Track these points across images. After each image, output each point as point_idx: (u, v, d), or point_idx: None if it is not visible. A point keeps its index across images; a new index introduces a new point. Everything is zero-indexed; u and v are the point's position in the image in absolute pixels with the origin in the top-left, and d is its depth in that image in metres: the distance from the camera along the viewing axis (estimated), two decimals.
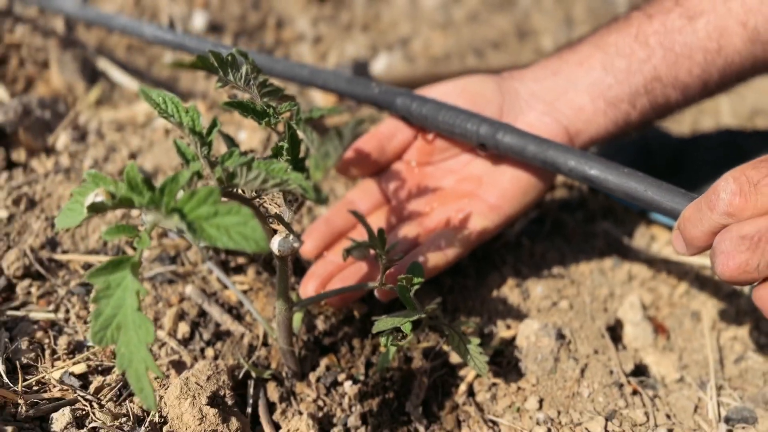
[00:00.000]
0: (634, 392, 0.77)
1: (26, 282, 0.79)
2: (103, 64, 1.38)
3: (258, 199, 0.64)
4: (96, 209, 0.49)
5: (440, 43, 1.89)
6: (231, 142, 0.63)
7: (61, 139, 1.02)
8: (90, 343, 0.73)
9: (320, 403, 0.73)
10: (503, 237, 1.00)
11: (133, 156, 1.00)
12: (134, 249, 0.86)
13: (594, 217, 1.09)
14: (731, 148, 0.99)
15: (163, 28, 1.14)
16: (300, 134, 0.64)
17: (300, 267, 0.88)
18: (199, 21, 1.67)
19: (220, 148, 0.99)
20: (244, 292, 0.83)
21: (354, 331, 0.82)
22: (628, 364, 0.81)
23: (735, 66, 0.82)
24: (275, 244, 0.64)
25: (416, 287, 0.70)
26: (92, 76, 1.35)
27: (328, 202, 0.82)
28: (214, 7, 1.75)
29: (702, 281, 0.96)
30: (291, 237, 0.64)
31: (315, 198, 0.54)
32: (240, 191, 0.61)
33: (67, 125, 1.06)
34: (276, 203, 0.68)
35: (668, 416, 0.75)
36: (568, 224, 1.06)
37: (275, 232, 0.66)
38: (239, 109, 0.63)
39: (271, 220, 0.65)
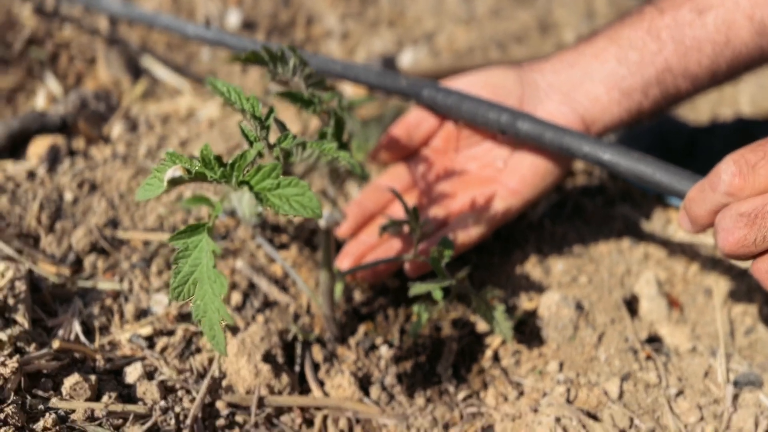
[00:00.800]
0: (648, 358, 0.84)
1: (92, 256, 0.87)
2: (146, 61, 1.47)
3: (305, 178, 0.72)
4: (175, 183, 0.56)
5: (464, 38, 1.95)
6: (283, 127, 0.70)
7: (115, 129, 1.11)
8: (155, 309, 0.81)
9: (359, 364, 0.81)
10: (526, 218, 1.07)
11: (182, 144, 1.08)
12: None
13: (613, 201, 1.15)
14: (745, 135, 1.04)
15: (204, 26, 1.22)
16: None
17: (336, 245, 0.96)
18: (233, 19, 1.75)
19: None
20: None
21: (388, 302, 0.90)
22: (642, 333, 0.87)
23: (742, 57, 0.87)
24: (322, 218, 0.71)
25: (447, 259, 0.78)
26: (136, 71, 1.43)
27: (370, 178, 0.89)
28: (247, 4, 1.83)
29: (714, 260, 1.02)
30: (335, 211, 0.72)
31: (360, 173, 0.61)
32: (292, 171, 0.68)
33: (119, 117, 1.15)
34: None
35: (680, 379, 0.82)
36: (588, 207, 1.13)
37: None
38: (290, 99, 0.71)
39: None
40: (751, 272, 0.69)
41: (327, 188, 0.74)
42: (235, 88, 0.64)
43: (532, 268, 0.97)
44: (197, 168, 0.56)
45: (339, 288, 0.83)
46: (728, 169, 0.66)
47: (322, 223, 0.72)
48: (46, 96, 1.29)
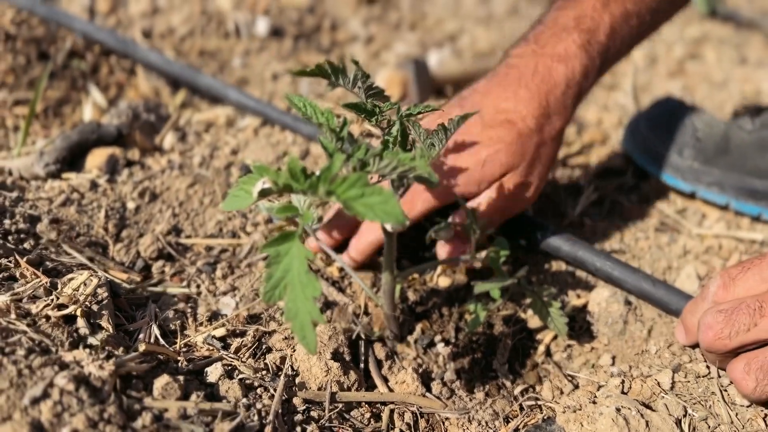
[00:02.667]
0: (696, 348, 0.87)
1: (160, 263, 0.91)
2: None
3: None
4: (264, 194, 0.60)
5: (484, 38, 1.98)
6: (352, 138, 0.74)
7: (168, 139, 1.15)
8: (224, 312, 0.85)
9: (419, 360, 0.85)
10: (566, 217, 1.10)
11: (233, 153, 1.12)
12: (246, 233, 0.97)
13: (648, 199, 1.18)
14: None
15: (247, 93, 1.25)
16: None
17: None
18: (261, 27, 1.79)
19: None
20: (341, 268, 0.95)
21: (441, 301, 0.93)
22: None
23: None
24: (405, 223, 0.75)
25: (503, 259, 0.81)
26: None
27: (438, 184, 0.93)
28: (274, 12, 1.87)
29: (752, 254, 1.05)
30: None
31: (434, 181, 0.65)
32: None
33: (170, 127, 1.18)
34: None
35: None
36: (625, 205, 1.16)
37: None
38: (355, 109, 0.74)
39: None
40: (727, 374, 0.78)
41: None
42: (311, 103, 0.68)
43: None
44: (284, 180, 0.60)
45: (398, 288, 0.87)
46: (715, 282, 0.78)
47: (388, 227, 0.75)
48: (92, 106, 1.34)
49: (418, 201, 0.89)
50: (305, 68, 0.75)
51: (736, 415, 0.78)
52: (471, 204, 0.89)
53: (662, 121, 1.15)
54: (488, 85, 0.92)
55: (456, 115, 0.78)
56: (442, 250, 0.90)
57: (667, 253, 1.05)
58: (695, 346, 0.84)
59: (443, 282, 0.96)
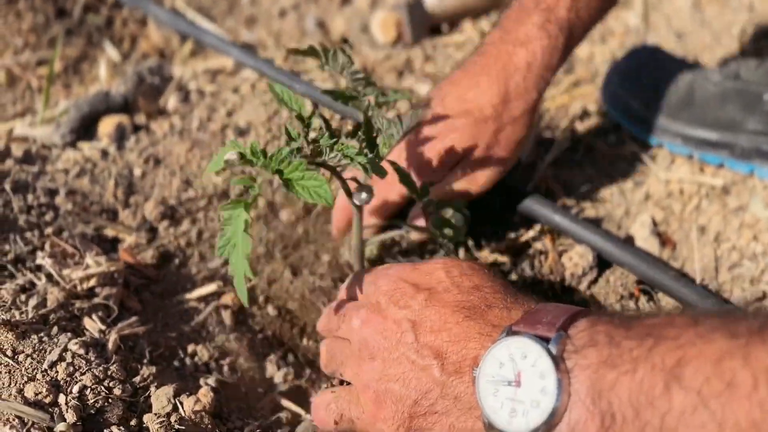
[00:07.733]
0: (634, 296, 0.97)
1: (165, 222, 1.05)
2: (192, 16, 1.59)
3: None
4: (229, 164, 0.72)
5: None
6: (327, 123, 0.84)
7: (170, 102, 1.26)
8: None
9: None
10: (534, 166, 1.18)
11: (229, 114, 1.22)
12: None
13: (624, 142, 1.23)
14: (737, 80, 1.10)
15: (246, 51, 1.30)
16: None
17: None
18: None
19: None
20: None
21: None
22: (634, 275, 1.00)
23: None
24: (354, 197, 0.85)
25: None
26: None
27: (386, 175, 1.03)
28: None
29: (711, 198, 1.12)
30: (363, 193, 0.86)
31: (371, 173, 0.75)
32: None
33: (173, 89, 1.29)
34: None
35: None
36: (600, 148, 1.22)
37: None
38: (333, 96, 0.84)
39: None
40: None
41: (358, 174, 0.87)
42: (288, 91, 0.77)
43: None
44: (248, 155, 0.72)
45: (370, 250, 0.99)
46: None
47: (356, 201, 0.86)
48: (107, 63, 1.45)
49: (393, 191, 0.96)
50: (300, 48, 0.83)
51: None
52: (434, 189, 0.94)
53: (633, 73, 1.18)
54: (459, 75, 0.97)
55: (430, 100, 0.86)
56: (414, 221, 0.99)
57: (629, 199, 1.12)
58: None
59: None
